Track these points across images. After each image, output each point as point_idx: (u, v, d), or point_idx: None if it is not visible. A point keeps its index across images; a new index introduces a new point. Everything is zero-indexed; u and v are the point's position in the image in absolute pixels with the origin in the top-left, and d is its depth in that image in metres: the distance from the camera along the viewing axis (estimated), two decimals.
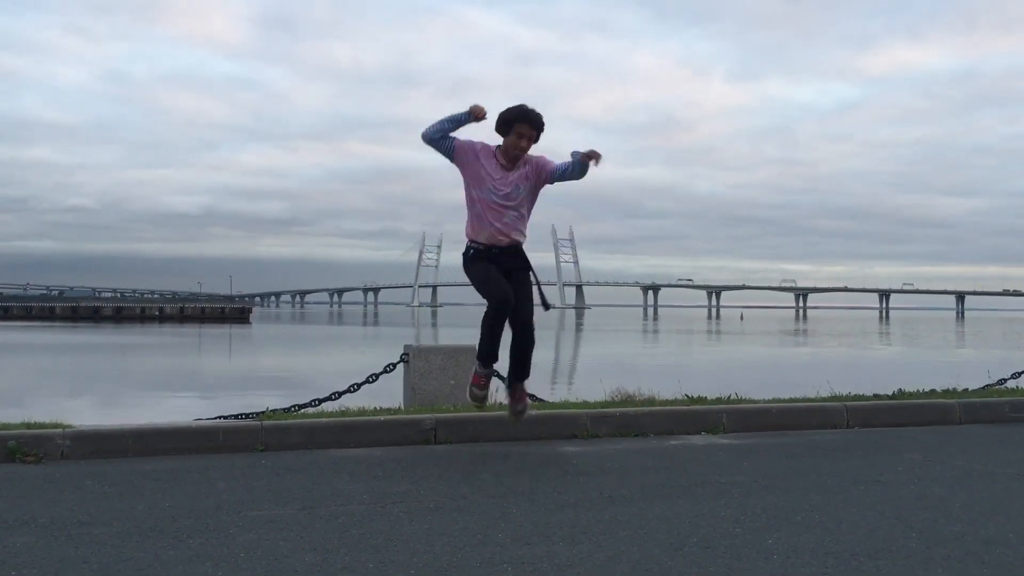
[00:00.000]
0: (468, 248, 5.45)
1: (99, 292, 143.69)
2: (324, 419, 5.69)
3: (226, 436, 5.33)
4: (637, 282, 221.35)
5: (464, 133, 5.41)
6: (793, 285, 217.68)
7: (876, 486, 4.45)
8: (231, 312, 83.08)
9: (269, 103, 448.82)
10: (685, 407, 6.40)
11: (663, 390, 7.76)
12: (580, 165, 5.32)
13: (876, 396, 7.19)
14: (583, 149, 5.29)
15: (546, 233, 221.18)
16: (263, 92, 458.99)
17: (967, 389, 7.67)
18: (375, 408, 6.32)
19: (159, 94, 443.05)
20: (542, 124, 5.32)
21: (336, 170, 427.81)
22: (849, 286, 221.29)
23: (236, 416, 5.92)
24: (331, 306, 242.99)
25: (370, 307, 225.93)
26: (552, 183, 5.42)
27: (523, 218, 5.42)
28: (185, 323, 70.55)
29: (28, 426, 5.25)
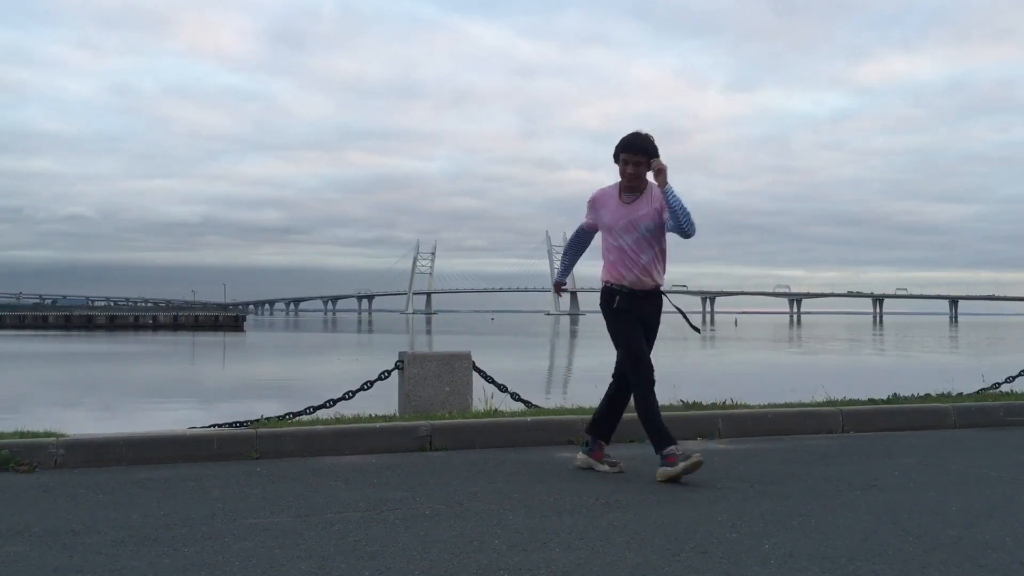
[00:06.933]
0: (611, 291, 4.95)
1: (92, 301, 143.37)
2: (319, 426, 5.67)
3: (221, 444, 5.32)
4: None
5: None
6: (787, 291, 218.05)
7: (872, 490, 4.45)
8: (225, 320, 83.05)
9: (272, 114, 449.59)
10: (681, 413, 6.39)
11: (659, 396, 7.73)
12: (674, 222, 4.80)
13: (871, 400, 7.19)
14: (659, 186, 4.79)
15: (540, 240, 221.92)
16: (266, 104, 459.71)
17: (961, 393, 7.68)
18: (370, 415, 6.31)
19: (164, 106, 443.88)
20: (641, 145, 4.82)
21: (335, 179, 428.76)
22: (843, 291, 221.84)
23: (231, 424, 5.90)
24: (325, 313, 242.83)
25: (364, 314, 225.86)
26: (669, 231, 4.93)
27: (657, 257, 4.94)
28: (179, 331, 70.40)
29: (21, 435, 5.23)
